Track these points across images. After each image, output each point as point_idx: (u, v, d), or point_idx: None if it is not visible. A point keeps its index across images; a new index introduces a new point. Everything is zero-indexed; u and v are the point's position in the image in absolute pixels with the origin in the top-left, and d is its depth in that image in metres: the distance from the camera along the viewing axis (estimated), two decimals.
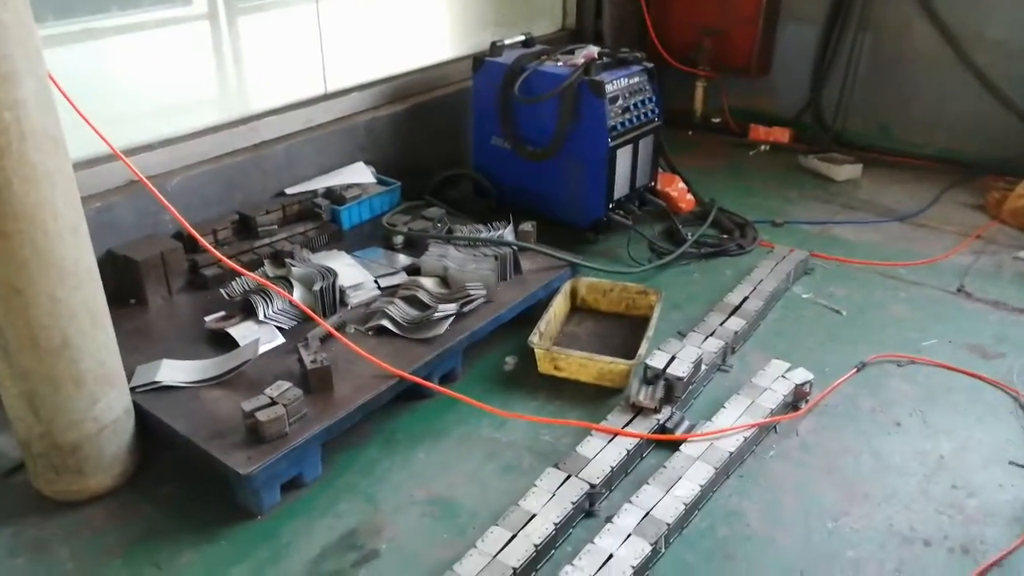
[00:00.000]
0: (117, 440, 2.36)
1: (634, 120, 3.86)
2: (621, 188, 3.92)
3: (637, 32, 5.53)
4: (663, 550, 2.19)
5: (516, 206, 3.86)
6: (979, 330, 3.32)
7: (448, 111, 4.41)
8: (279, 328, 2.84)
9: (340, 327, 2.84)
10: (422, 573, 2.16)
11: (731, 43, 5.33)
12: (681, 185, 4.27)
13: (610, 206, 3.88)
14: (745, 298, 3.33)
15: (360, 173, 3.88)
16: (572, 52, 4.00)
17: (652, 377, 2.71)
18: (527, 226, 3.49)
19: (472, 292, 2.98)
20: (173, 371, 2.57)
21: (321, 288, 2.91)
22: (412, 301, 2.96)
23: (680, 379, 2.67)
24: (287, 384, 2.43)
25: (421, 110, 4.27)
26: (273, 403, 2.35)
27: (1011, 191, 4.39)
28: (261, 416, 2.29)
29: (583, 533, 2.26)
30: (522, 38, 4.20)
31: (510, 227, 3.46)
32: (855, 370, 3.02)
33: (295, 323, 2.90)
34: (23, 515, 2.33)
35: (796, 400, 2.78)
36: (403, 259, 3.37)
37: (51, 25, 2.86)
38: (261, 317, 2.82)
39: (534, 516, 2.22)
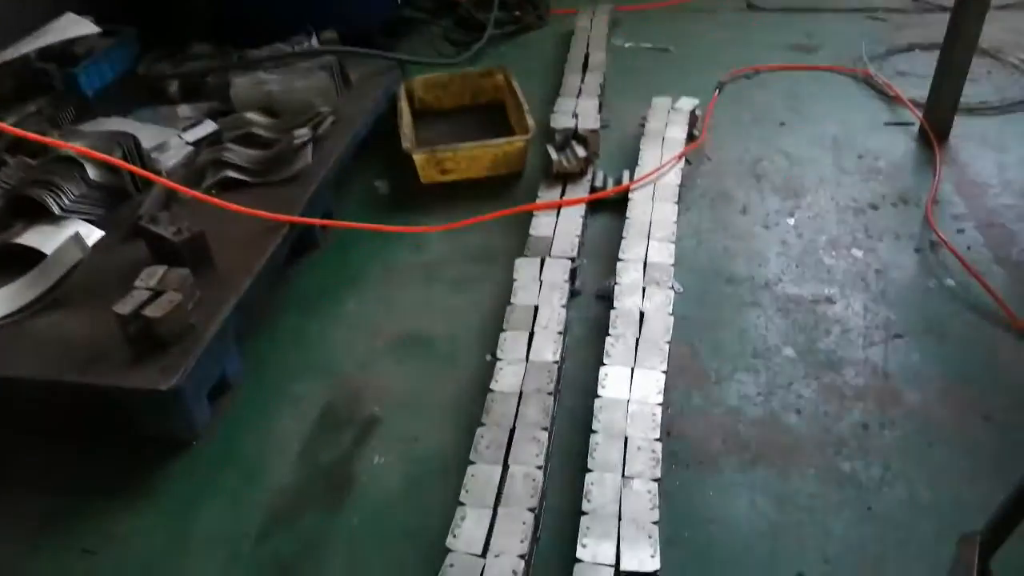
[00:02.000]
0: None
1: None
2: None
3: None
4: (681, 290, 1.98)
5: (271, 29, 3.10)
6: (787, 33, 3.43)
7: None
8: (89, 221, 2.06)
9: (164, 200, 2.13)
10: (441, 417, 1.76)
11: None
12: None
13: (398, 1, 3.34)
14: (586, 54, 3.08)
15: (76, 25, 2.88)
16: None
17: (563, 141, 2.41)
18: (330, 34, 2.87)
19: (320, 109, 2.38)
20: None
21: (123, 156, 2.13)
22: (248, 141, 2.31)
23: (595, 131, 2.40)
24: (160, 268, 1.76)
25: None
26: (157, 294, 1.68)
27: None
28: (152, 312, 1.63)
29: (575, 313, 1.98)
30: None
31: (312, 38, 2.82)
32: (716, 91, 2.96)
33: (102, 210, 2.13)
34: None
35: (691, 128, 2.65)
36: (190, 109, 2.61)
37: None
38: (57, 212, 2.01)
39: (537, 307, 1.88)
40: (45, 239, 1.95)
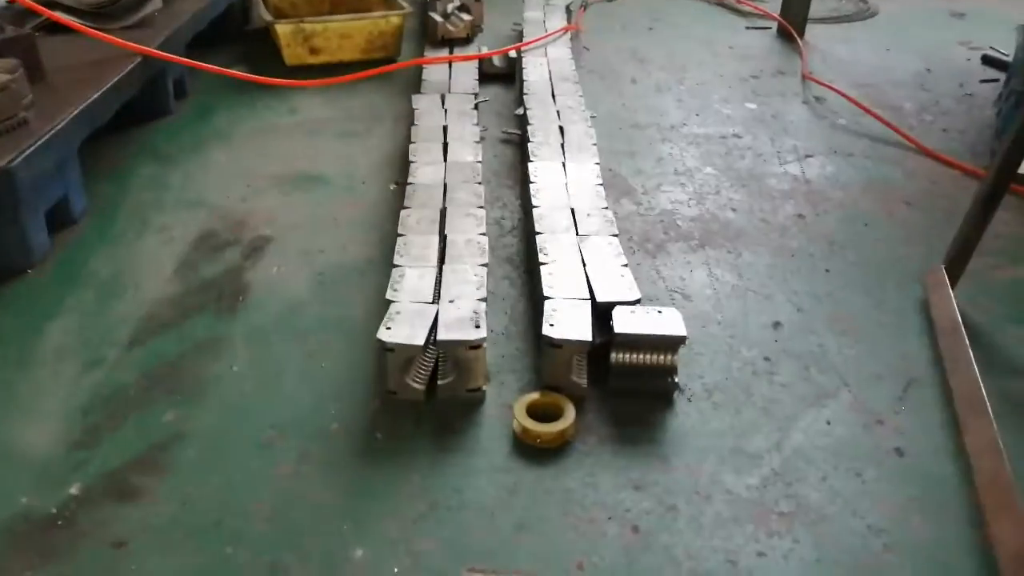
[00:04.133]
0: None
1: None
2: None
3: None
4: (595, 115, 1.86)
5: None
6: None
7: None
8: None
9: None
10: (346, 233, 1.50)
11: None
12: None
13: None
14: None
15: None
16: None
17: (445, 11, 2.26)
18: None
19: None
20: None
21: None
22: None
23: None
24: None
25: None
26: None
27: None
28: None
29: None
30: None
31: None
32: (583, 7, 2.95)
33: None
34: None
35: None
36: None
37: None
38: None
39: (446, 127, 1.68)
40: None
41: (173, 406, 1.07)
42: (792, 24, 2.71)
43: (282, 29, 2.20)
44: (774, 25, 2.78)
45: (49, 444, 1.01)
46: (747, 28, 2.83)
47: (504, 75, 2.22)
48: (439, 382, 1.07)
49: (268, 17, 2.21)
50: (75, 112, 1.45)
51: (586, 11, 2.94)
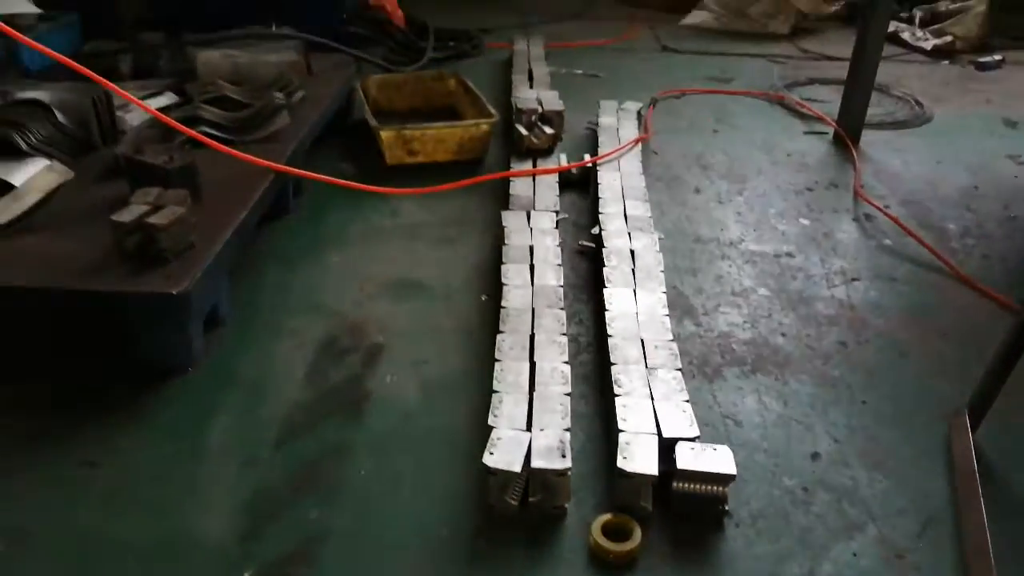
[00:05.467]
0: None
1: None
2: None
3: None
4: (663, 236, 2.10)
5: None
6: (702, 68, 3.79)
7: None
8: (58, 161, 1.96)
9: (136, 150, 2.07)
10: (447, 344, 1.76)
11: None
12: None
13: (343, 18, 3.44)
14: (530, 70, 3.27)
15: (13, 2, 2.79)
16: None
17: (529, 122, 2.53)
18: (285, 29, 2.92)
19: (293, 79, 2.40)
20: None
21: (95, 102, 2.06)
22: (221, 104, 2.28)
23: (560, 112, 2.55)
24: (156, 188, 1.71)
25: None
26: (156, 208, 1.62)
27: None
28: (157, 220, 1.57)
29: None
30: None
31: (273, 27, 2.86)
32: (652, 105, 3.20)
33: (68, 156, 2.03)
34: None
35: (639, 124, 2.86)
36: (141, 85, 2.56)
37: None
38: (25, 148, 1.91)
39: (532, 247, 1.94)
40: (11, 171, 1.83)
41: (317, 505, 1.33)
42: (848, 130, 2.91)
43: (386, 135, 2.50)
44: (831, 131, 2.99)
45: (221, 534, 1.28)
46: (805, 133, 3.04)
47: (581, 181, 2.47)
48: (530, 499, 1.31)
49: (373, 123, 2.51)
50: (231, 232, 1.75)
51: (655, 108, 3.19)
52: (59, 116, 2.02)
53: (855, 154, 2.78)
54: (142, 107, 2.01)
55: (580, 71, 3.66)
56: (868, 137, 2.95)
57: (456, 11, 4.66)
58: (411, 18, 4.05)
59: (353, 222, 2.27)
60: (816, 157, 2.83)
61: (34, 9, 2.79)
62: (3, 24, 1.78)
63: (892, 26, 4.05)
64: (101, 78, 1.93)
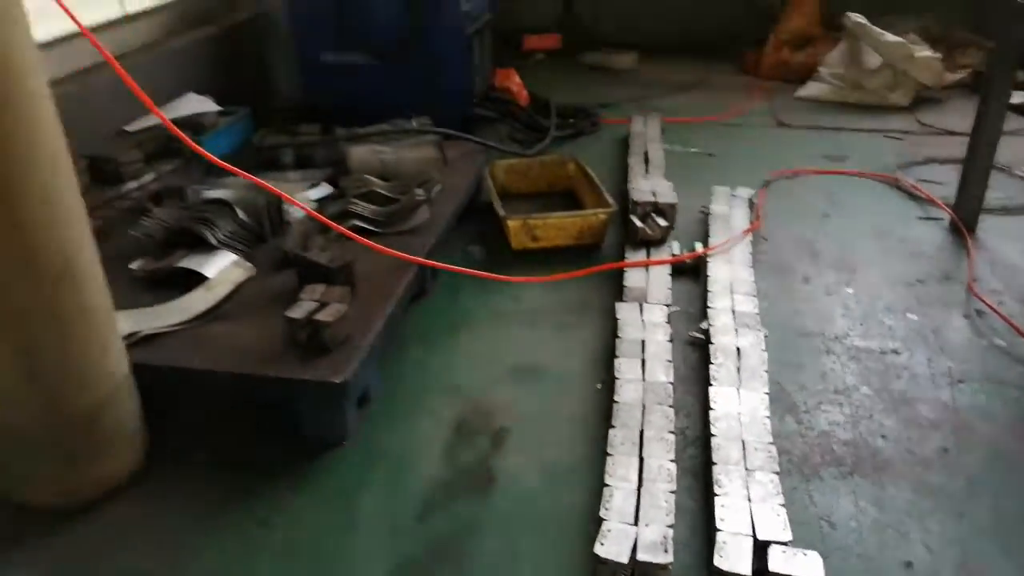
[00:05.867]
0: (128, 404, 1.76)
1: (477, 7, 3.76)
2: (479, 82, 3.82)
3: None
4: (768, 334, 2.23)
5: (362, 121, 3.46)
6: (816, 145, 3.86)
7: (250, 34, 3.89)
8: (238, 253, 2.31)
9: (305, 239, 2.40)
10: (565, 430, 1.96)
11: None
12: (518, 79, 4.27)
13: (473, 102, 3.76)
14: (646, 151, 3.46)
15: (199, 103, 3.26)
16: None
17: (644, 214, 2.72)
18: (424, 119, 3.25)
19: (432, 176, 2.70)
20: (143, 319, 1.97)
21: (267, 204, 2.42)
22: (370, 198, 2.60)
23: (673, 205, 2.73)
24: (321, 286, 2.01)
25: (230, 33, 3.71)
26: (322, 304, 1.92)
27: (761, 54, 5.11)
28: (323, 317, 1.86)
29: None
30: None
31: (414, 120, 3.19)
32: (764, 186, 3.33)
33: (246, 249, 2.38)
34: (22, 537, 1.64)
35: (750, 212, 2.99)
36: (302, 175, 2.93)
37: None
38: (214, 243, 2.27)
39: (644, 340, 2.13)
40: (205, 264, 2.19)
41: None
42: (964, 215, 2.93)
43: (512, 224, 2.75)
44: (946, 217, 3.02)
45: None
46: (919, 219, 3.08)
47: (693, 268, 2.63)
48: None
49: (501, 212, 2.77)
50: (383, 323, 2.02)
51: (767, 189, 3.31)
52: (240, 213, 2.39)
53: (970, 243, 2.81)
54: (304, 210, 2.35)
55: (695, 149, 3.82)
56: (986, 223, 2.96)
57: (577, 85, 4.92)
58: (534, 95, 4.34)
59: (482, 304, 2.52)
60: (930, 245, 2.87)
61: (216, 108, 3.25)
62: (179, 132, 2.17)
63: (1020, 97, 3.99)
64: (272, 187, 2.30)
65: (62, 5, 1.92)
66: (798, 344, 2.30)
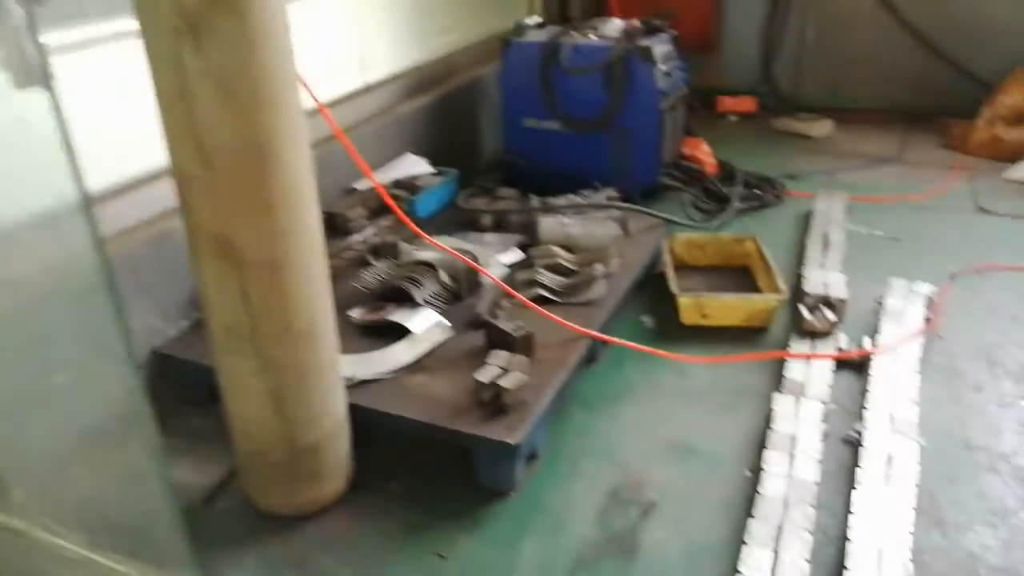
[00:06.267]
0: (344, 438, 2.15)
1: (672, 86, 3.98)
2: (667, 153, 4.03)
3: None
4: (924, 444, 2.27)
5: (553, 183, 3.78)
6: (1017, 237, 3.69)
7: (462, 99, 4.35)
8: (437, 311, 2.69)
9: (495, 304, 2.73)
10: (710, 511, 2.12)
11: (683, 23, 5.58)
12: (706, 148, 4.43)
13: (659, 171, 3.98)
14: (826, 234, 3.51)
15: (415, 164, 3.74)
16: (595, 27, 4.06)
17: (813, 305, 2.82)
18: (611, 192, 3.51)
19: (610, 252, 2.96)
20: (356, 365, 2.37)
21: (466, 269, 2.79)
22: (554, 269, 2.90)
23: (843, 301, 2.80)
24: (505, 354, 2.32)
25: (445, 99, 4.19)
26: (505, 371, 2.23)
27: (970, 128, 4.90)
28: (506, 383, 2.17)
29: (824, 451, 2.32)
30: (539, 20, 4.23)
31: (601, 194, 3.47)
32: (949, 280, 3.26)
33: (445, 307, 2.75)
34: (257, 535, 2.07)
35: (926, 310, 2.98)
36: (497, 238, 3.28)
37: None
38: (420, 301, 2.66)
39: (795, 436, 2.25)
40: (411, 319, 2.58)
41: None
42: None
43: (683, 301, 2.95)
44: None
45: None
46: None
47: (858, 363, 2.69)
48: None
49: (675, 289, 2.97)
50: (555, 391, 2.30)
51: (953, 282, 3.25)
52: (442, 275, 2.77)
53: None
54: (495, 281, 2.69)
55: (880, 232, 3.79)
56: None
57: (767, 151, 4.98)
58: (721, 162, 4.49)
59: (646, 375, 2.73)
60: None
61: (429, 169, 3.71)
62: (391, 201, 2.58)
63: None
64: (468, 256, 2.66)
65: (306, 86, 2.35)
66: (958, 456, 2.31)
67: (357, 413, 2.22)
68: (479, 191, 3.68)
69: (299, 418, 1.98)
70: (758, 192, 4.25)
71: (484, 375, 2.21)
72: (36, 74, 1.13)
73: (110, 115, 2.43)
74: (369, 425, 2.26)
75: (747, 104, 5.70)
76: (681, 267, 3.41)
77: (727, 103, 5.72)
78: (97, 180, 2.39)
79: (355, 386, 2.29)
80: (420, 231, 2.70)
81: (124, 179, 2.52)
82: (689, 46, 5.22)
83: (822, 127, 5.28)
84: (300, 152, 1.77)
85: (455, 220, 3.47)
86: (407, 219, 2.67)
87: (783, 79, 5.75)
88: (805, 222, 3.80)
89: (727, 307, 2.94)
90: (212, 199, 1.71)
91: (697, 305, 2.96)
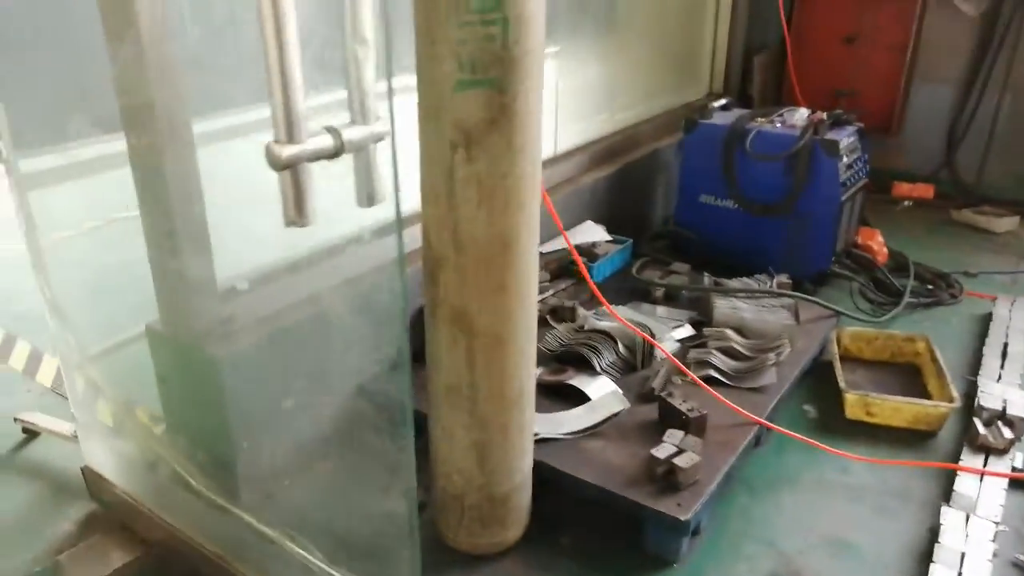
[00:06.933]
0: (528, 491, 2.39)
1: (853, 178, 4.04)
2: (842, 242, 4.08)
3: (776, 94, 5.80)
4: None
5: (723, 259, 3.95)
6: None
7: (640, 170, 4.58)
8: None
9: (667, 380, 2.91)
10: None
11: (866, 103, 5.58)
12: (880, 239, 4.43)
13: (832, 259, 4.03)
14: (1006, 343, 3.45)
15: (594, 231, 4.00)
16: (781, 114, 4.19)
17: (989, 419, 2.81)
18: (784, 279, 3.62)
19: (782, 340, 3.08)
20: (544, 425, 2.62)
21: (642, 342, 2.99)
22: (727, 351, 3.05)
23: (1023, 419, 2.78)
24: (680, 433, 2.50)
25: (624, 169, 4.43)
26: (680, 450, 2.41)
27: None
28: (681, 463, 2.34)
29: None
30: (724, 102, 4.41)
31: (773, 280, 3.59)
32: None
33: (620, 375, 2.97)
34: (441, 568, 2.35)
35: None
36: (668, 311, 3.47)
37: None
38: (598, 369, 2.89)
39: (964, 553, 2.28)
40: (589, 386, 2.81)
41: None
42: None
43: (850, 397, 3.01)
44: None
45: None
46: None
47: None
48: None
49: (842, 385, 3.04)
50: (725, 472, 2.46)
51: None
52: (620, 346, 2.99)
53: None
54: (669, 358, 2.88)
55: None
56: None
57: (943, 244, 4.88)
58: (893, 253, 4.47)
59: (808, 467, 2.82)
60: None
61: (607, 236, 3.96)
62: (581, 264, 2.82)
63: None
64: (644, 331, 2.86)
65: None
66: None
67: (538, 468, 2.46)
68: (652, 262, 3.89)
69: (498, 470, 2.25)
70: (931, 288, 4.21)
71: (660, 451, 2.40)
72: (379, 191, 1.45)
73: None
74: (547, 481, 2.49)
75: (924, 191, 5.59)
76: (846, 358, 3.46)
77: (902, 189, 5.64)
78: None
79: (538, 442, 2.54)
80: (605, 302, 2.93)
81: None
82: (868, 126, 5.25)
83: (1007, 223, 5.11)
84: (533, 244, 2.06)
85: (627, 288, 3.69)
86: (598, 291, 2.91)
87: (966, 167, 5.60)
88: (982, 326, 3.74)
89: (894, 408, 2.98)
90: (457, 278, 2.02)
91: (863, 403, 3.01)
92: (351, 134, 1.40)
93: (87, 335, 2.43)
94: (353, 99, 1.38)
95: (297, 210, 1.33)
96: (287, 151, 1.29)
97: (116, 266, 2.47)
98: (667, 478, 2.37)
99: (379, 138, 1.41)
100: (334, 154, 1.35)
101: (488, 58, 1.77)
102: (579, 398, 2.79)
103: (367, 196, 1.45)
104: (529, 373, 2.23)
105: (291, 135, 1.31)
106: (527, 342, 2.16)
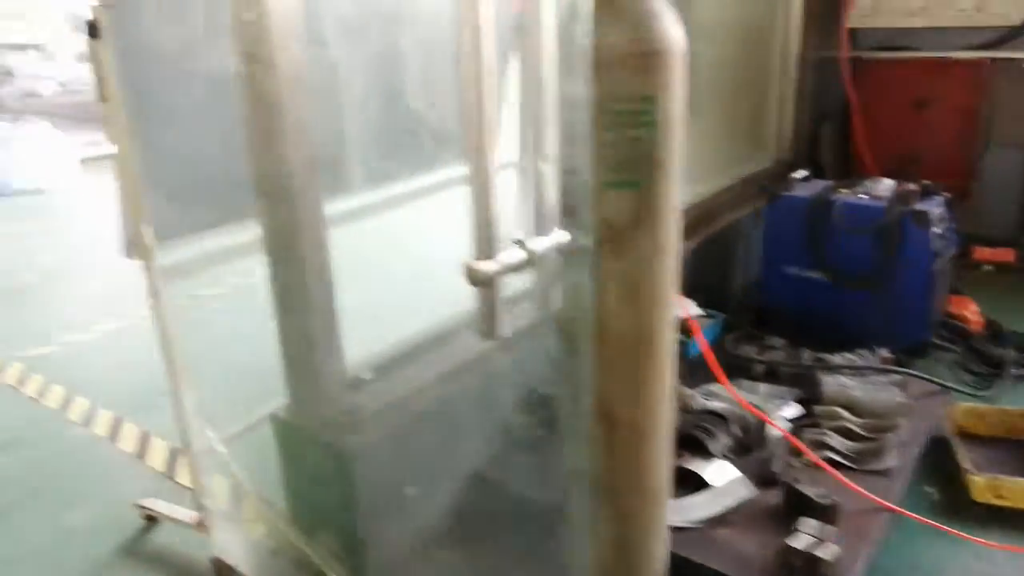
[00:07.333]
0: None
1: (944, 247, 3.99)
2: (935, 312, 4.01)
3: (843, 161, 5.80)
4: None
5: (813, 331, 3.87)
6: None
7: (722, 241, 4.57)
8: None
9: (786, 462, 2.84)
10: None
11: (933, 168, 5.52)
12: (974, 307, 4.34)
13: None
14: None
15: (686, 305, 3.97)
16: (864, 185, 4.18)
17: None
18: (886, 353, 3.54)
19: (898, 421, 2.99)
20: (672, 512, 2.55)
21: (755, 422, 2.93)
22: (841, 431, 2.97)
23: None
24: (813, 521, 2.42)
25: (705, 243, 4.42)
26: (818, 540, 2.32)
27: None
28: (823, 554, 2.26)
29: None
30: (805, 173, 4.42)
31: (875, 355, 3.51)
32: None
33: (735, 457, 2.90)
34: None
35: None
36: (768, 388, 3.40)
37: None
38: (716, 454, 2.83)
39: None
40: (707, 470, 2.75)
41: None
42: None
43: (978, 480, 2.90)
44: None
45: None
46: None
47: None
48: None
49: (967, 466, 2.94)
50: (865, 563, 2.36)
51: None
52: (734, 427, 2.93)
53: None
54: (787, 436, 2.81)
55: None
56: None
57: None
58: (988, 322, 4.36)
59: (945, 556, 2.69)
60: None
61: (698, 311, 3.93)
62: (708, 351, 2.77)
63: None
64: (753, 407, 2.80)
65: None
66: None
67: (671, 559, 2.39)
68: (746, 336, 3.84)
69: (637, 563, 2.18)
70: None
71: (797, 542, 2.32)
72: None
73: None
74: (679, 570, 2.41)
75: (1005, 255, 5.49)
76: (961, 435, 3.35)
77: (983, 253, 5.54)
78: None
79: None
80: (728, 384, 2.89)
81: None
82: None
83: None
84: (671, 339, 2.04)
85: (723, 365, 3.63)
86: (721, 372, 2.86)
87: None
88: None
89: None
90: (600, 370, 2.00)
91: (993, 487, 2.90)
92: (536, 245, 1.41)
93: (213, 421, 2.46)
94: (540, 213, 1.41)
95: (489, 324, 1.34)
96: (489, 267, 1.31)
97: (237, 351, 2.51)
98: (806, 569, 2.29)
99: (562, 248, 1.42)
100: (526, 266, 1.36)
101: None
102: (693, 482, 2.73)
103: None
104: (667, 464, 2.18)
105: (490, 252, 1.33)
106: (666, 435, 2.12)
